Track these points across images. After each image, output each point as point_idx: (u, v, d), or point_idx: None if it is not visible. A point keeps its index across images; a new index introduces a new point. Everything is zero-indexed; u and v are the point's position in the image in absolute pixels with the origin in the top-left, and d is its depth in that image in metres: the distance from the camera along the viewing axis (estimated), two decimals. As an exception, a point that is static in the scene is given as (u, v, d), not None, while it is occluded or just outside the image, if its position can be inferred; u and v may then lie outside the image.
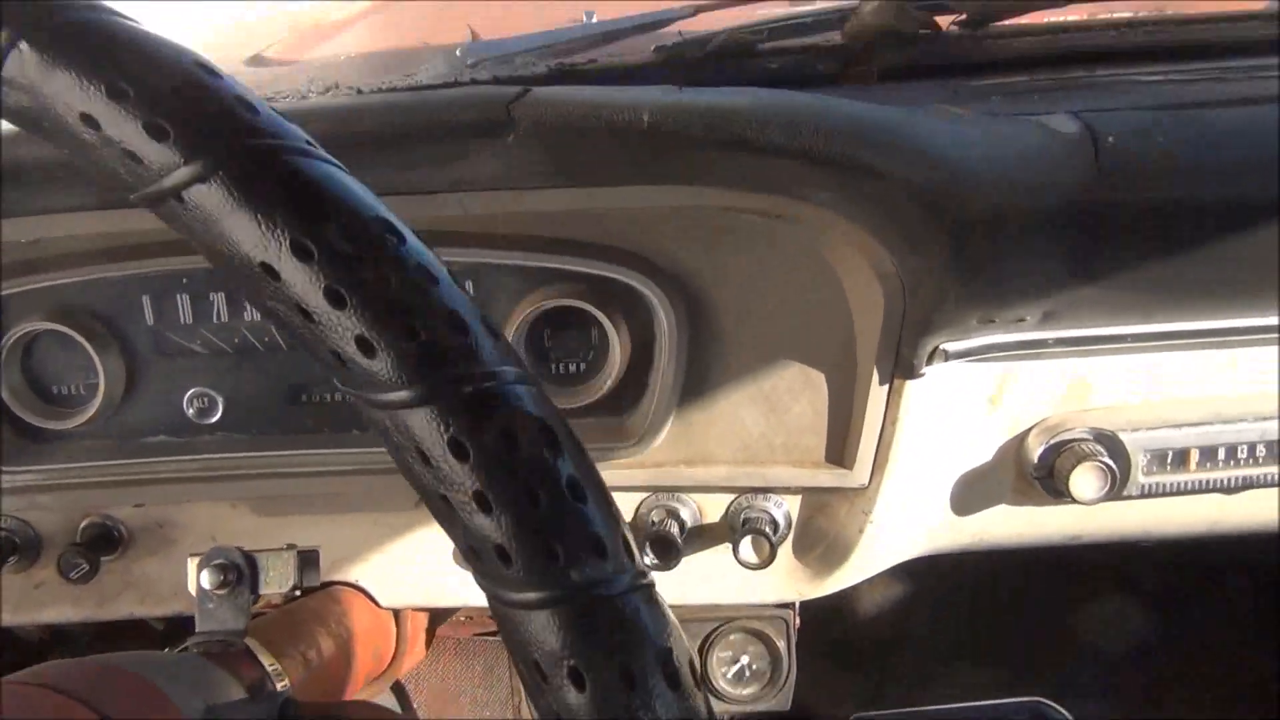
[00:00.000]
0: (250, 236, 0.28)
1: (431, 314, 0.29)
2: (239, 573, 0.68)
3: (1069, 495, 0.74)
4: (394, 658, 0.89)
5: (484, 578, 0.29)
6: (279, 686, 0.66)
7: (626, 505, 0.84)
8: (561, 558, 0.28)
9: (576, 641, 0.28)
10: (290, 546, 0.71)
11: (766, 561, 0.78)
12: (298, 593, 0.75)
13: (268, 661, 0.66)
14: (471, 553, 0.29)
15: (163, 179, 0.28)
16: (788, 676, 0.88)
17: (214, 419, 0.84)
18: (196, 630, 0.67)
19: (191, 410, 0.84)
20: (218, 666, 0.60)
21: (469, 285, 0.81)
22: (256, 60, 1.50)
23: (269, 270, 0.28)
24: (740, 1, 1.11)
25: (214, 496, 0.85)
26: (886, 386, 0.75)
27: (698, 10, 1.09)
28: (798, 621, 0.89)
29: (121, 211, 0.71)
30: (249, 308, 0.82)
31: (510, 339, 0.80)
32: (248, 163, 0.28)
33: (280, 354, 0.83)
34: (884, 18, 0.98)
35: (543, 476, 0.29)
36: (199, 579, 0.67)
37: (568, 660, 0.28)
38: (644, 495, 0.84)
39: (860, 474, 0.78)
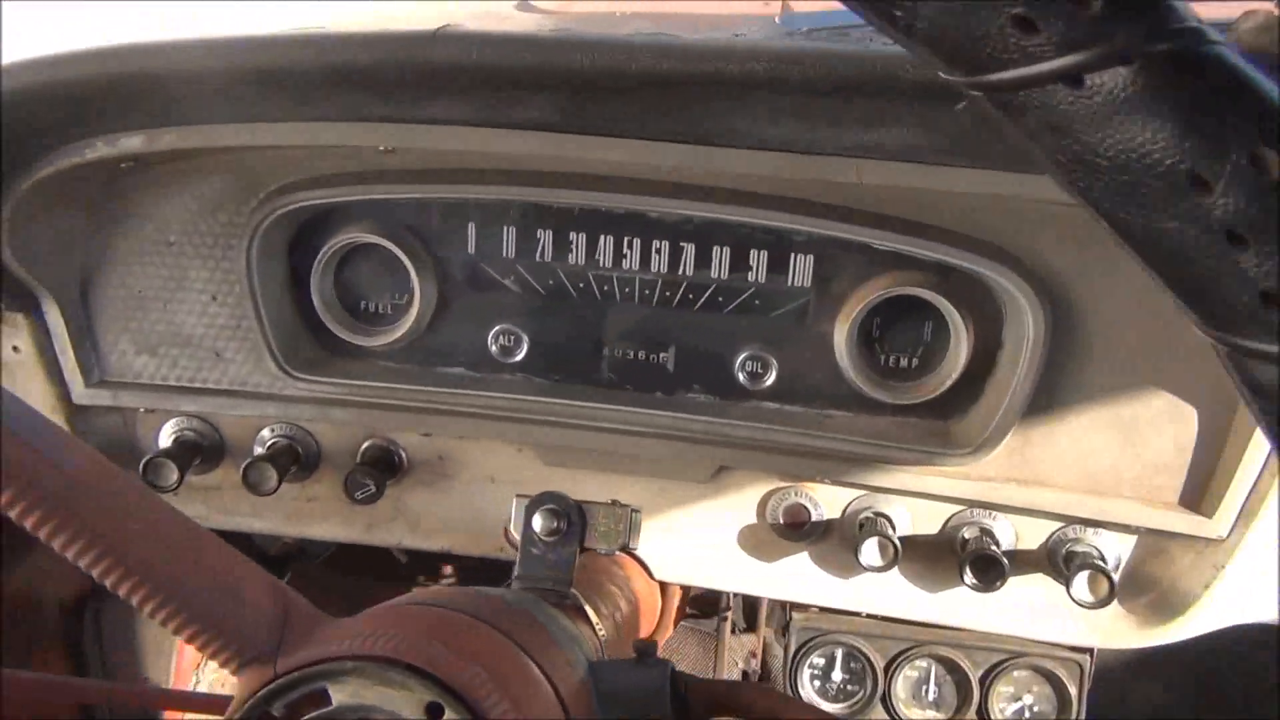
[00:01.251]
0: (1176, 138, 0.24)
1: None
2: (569, 522, 0.65)
3: None
4: (653, 631, 0.85)
5: None
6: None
7: (935, 517, 0.79)
8: None
9: None
10: (614, 503, 0.67)
11: (1104, 601, 0.71)
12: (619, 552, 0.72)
13: (595, 620, 0.62)
14: None
15: (1058, 57, 0.24)
16: (1076, 725, 0.82)
17: (517, 358, 0.82)
18: (517, 574, 0.64)
19: (495, 347, 0.82)
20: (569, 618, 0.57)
21: (810, 260, 0.76)
22: (524, 6, 1.49)
23: (1198, 182, 0.24)
24: None
25: (503, 437, 0.83)
26: (1274, 433, 0.68)
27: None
28: (1093, 668, 0.82)
29: (487, 130, 0.69)
30: (573, 249, 0.78)
31: (846, 325, 0.75)
32: (1181, 51, 0.24)
33: (593, 301, 0.79)
34: (1263, 39, 0.90)
35: None
36: (530, 521, 0.64)
37: None
38: (956, 509, 0.78)
39: (1221, 524, 0.71)
